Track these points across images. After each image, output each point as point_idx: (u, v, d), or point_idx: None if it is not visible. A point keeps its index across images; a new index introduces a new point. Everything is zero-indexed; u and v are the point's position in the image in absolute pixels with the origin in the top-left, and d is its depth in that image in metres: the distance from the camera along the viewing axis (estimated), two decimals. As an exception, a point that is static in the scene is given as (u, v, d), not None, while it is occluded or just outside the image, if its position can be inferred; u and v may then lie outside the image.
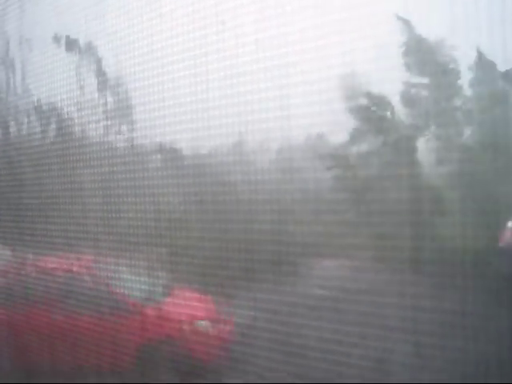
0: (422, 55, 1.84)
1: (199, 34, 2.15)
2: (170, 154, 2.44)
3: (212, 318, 2.76)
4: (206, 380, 2.39)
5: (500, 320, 1.66)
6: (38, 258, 3.17)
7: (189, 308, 2.50)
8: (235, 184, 2.21)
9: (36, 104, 3.11)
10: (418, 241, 1.79)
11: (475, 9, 1.60)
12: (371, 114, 2.00)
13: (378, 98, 1.92)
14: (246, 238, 2.13)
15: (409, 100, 1.90)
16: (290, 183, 2.07)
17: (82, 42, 2.74)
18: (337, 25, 1.81)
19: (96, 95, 2.66)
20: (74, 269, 2.98)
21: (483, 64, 1.83)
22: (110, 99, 2.60)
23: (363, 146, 1.99)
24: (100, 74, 2.65)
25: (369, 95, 1.93)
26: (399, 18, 1.82)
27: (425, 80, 1.90)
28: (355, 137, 2.01)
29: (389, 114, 1.96)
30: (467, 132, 1.97)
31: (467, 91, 1.90)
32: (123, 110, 2.55)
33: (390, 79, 1.77)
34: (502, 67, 1.78)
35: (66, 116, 2.90)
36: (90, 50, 2.70)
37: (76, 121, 2.86)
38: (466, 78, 1.88)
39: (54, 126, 3.02)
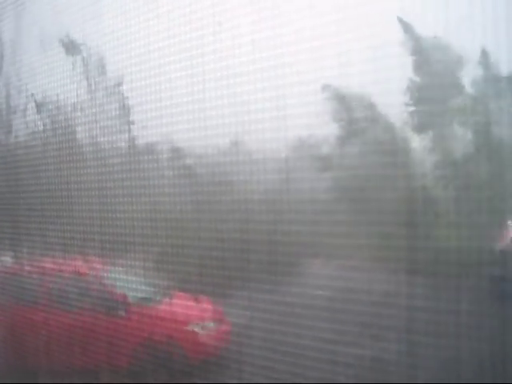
0: (420, 55, 1.85)
1: (196, 35, 2.16)
2: (167, 154, 2.44)
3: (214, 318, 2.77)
4: (206, 380, 2.40)
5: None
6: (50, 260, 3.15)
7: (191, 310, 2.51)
8: (231, 184, 2.21)
9: (31, 104, 3.10)
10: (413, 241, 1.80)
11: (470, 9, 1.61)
12: (366, 114, 2.01)
13: (373, 98, 1.93)
14: (242, 238, 2.13)
15: (406, 101, 1.91)
16: (286, 183, 2.08)
17: (78, 42, 2.75)
18: (332, 26, 1.82)
19: (92, 95, 2.67)
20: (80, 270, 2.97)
21: (487, 63, 1.84)
22: (106, 99, 2.60)
23: (357, 146, 2.00)
24: (96, 73, 2.65)
25: (364, 96, 1.94)
26: (396, 19, 1.83)
27: (423, 80, 1.90)
28: (350, 137, 2.01)
29: (384, 114, 1.96)
30: (466, 133, 1.98)
31: (468, 91, 1.91)
32: (119, 110, 2.55)
33: (386, 79, 1.77)
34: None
35: (63, 115, 2.90)
36: (86, 50, 2.71)
37: (71, 121, 2.86)
38: (466, 78, 1.89)
39: (49, 125, 3.02)
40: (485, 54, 1.79)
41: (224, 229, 2.22)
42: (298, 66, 1.94)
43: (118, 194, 2.58)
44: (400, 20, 1.83)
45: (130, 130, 2.54)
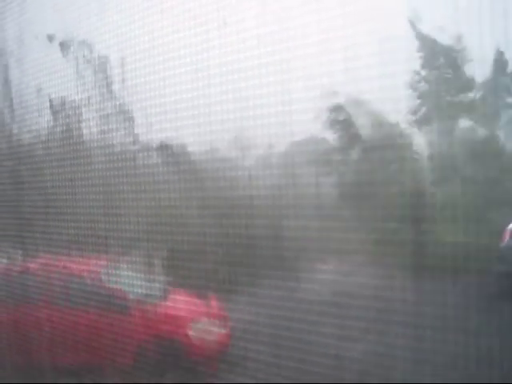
0: (427, 50, 1.84)
1: (200, 30, 2.15)
2: (171, 150, 2.43)
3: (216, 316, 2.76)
4: (205, 380, 2.39)
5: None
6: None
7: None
8: (236, 179, 2.21)
9: (34, 102, 3.10)
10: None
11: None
12: (371, 110, 2.00)
13: (380, 92, 1.92)
14: (248, 234, 2.13)
15: (413, 94, 1.90)
16: (291, 178, 2.07)
17: (82, 38, 2.74)
18: (338, 20, 1.80)
19: (96, 92, 2.66)
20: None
21: (497, 59, 1.83)
22: (110, 95, 2.60)
23: (362, 142, 1.99)
24: (100, 69, 2.65)
25: (371, 90, 1.93)
26: (403, 13, 1.82)
27: (430, 74, 1.89)
28: (355, 132, 2.01)
29: (389, 109, 1.95)
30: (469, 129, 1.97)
31: (474, 86, 1.90)
32: (123, 107, 2.55)
33: (393, 74, 1.76)
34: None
35: (66, 112, 2.90)
36: (90, 46, 2.70)
37: (75, 118, 2.85)
38: (472, 73, 1.88)
39: (52, 124, 3.02)
40: (495, 50, 1.78)
41: (229, 224, 2.21)
42: (303, 60, 1.92)
43: (123, 191, 2.58)
44: (407, 14, 1.82)
45: (134, 126, 2.54)
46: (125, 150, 2.58)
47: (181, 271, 2.46)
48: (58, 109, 2.95)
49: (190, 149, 2.43)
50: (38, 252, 3.20)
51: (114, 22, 2.43)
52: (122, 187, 2.58)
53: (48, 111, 3.00)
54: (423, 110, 1.95)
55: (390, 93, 1.82)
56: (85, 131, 2.84)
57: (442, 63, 1.89)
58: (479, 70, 1.89)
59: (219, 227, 2.26)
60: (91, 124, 2.76)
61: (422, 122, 1.97)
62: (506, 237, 2.02)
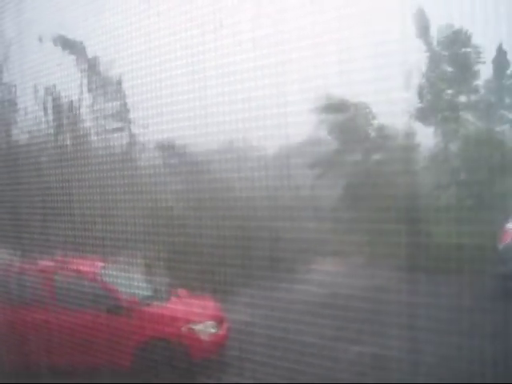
0: (424, 51, 1.85)
1: (197, 32, 2.16)
2: (168, 151, 2.44)
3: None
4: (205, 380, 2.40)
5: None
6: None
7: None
8: (232, 180, 2.21)
9: (32, 103, 3.10)
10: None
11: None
12: (367, 111, 2.01)
13: (375, 96, 1.92)
14: (243, 235, 2.13)
15: (410, 96, 1.91)
16: (286, 180, 2.08)
17: (79, 39, 2.74)
18: (334, 22, 1.81)
19: (93, 93, 2.67)
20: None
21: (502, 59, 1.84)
22: (107, 97, 2.60)
23: (358, 143, 2.00)
24: (97, 71, 2.65)
25: (365, 94, 1.94)
26: (397, 16, 1.83)
27: (424, 77, 1.90)
28: (350, 133, 2.01)
29: (386, 111, 1.96)
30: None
31: (469, 88, 1.90)
32: (120, 108, 2.55)
33: (388, 76, 1.77)
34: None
35: (64, 113, 2.90)
36: (87, 47, 2.71)
37: (72, 118, 2.86)
38: (475, 73, 1.89)
39: (50, 123, 3.02)
40: (500, 50, 1.79)
41: (226, 226, 2.21)
42: (298, 63, 1.93)
43: (119, 192, 2.58)
44: (401, 17, 1.83)
45: (130, 127, 2.54)
46: (121, 152, 2.59)
47: (178, 272, 2.47)
48: (55, 109, 2.95)
49: (186, 150, 2.44)
50: (36, 253, 3.20)
51: (110, 23, 2.43)
52: (117, 189, 2.58)
53: (45, 112, 3.00)
54: (418, 112, 1.96)
55: (384, 95, 1.83)
56: (82, 132, 2.84)
57: (436, 66, 1.90)
58: (475, 72, 1.90)
59: (216, 228, 2.27)
60: (88, 125, 2.76)
61: (416, 124, 1.98)
62: (506, 238, 2.02)
